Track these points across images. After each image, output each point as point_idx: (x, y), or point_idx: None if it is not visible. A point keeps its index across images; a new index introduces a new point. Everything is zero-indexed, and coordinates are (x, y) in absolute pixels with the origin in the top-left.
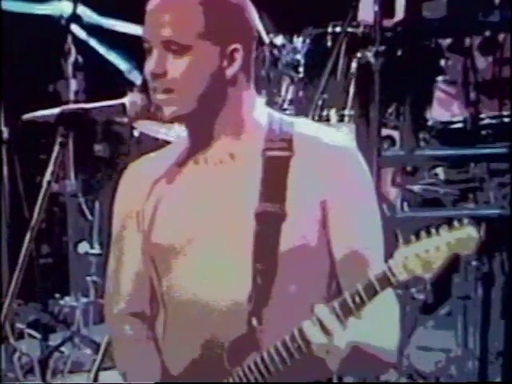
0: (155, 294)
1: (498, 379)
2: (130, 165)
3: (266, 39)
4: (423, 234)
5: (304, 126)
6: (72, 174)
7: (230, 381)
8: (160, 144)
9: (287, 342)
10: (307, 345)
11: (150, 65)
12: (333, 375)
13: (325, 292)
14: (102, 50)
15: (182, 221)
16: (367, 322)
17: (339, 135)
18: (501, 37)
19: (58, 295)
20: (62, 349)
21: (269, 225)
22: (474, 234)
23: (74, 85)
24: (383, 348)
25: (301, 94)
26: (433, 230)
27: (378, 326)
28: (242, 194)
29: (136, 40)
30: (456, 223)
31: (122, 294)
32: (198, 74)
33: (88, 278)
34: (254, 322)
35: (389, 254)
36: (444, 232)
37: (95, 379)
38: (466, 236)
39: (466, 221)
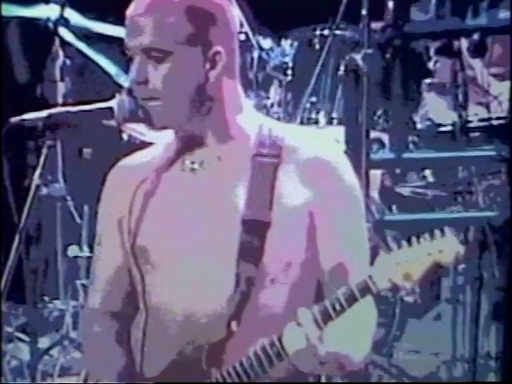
0: (134, 295)
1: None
2: (115, 165)
3: (254, 42)
4: (404, 243)
5: (294, 133)
6: (61, 177)
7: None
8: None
9: (266, 347)
10: (285, 351)
11: (132, 73)
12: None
13: (308, 300)
14: (89, 53)
15: (167, 225)
16: (342, 330)
17: (327, 145)
18: (489, 39)
19: (47, 298)
20: (52, 352)
21: (254, 231)
22: (456, 244)
23: (61, 88)
24: (351, 358)
25: (289, 96)
26: (414, 239)
27: (352, 334)
28: (228, 199)
29: (124, 43)
30: (437, 233)
31: (98, 292)
32: (180, 79)
33: (77, 282)
34: (234, 325)
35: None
36: (425, 242)
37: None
38: (447, 246)
39: (447, 231)
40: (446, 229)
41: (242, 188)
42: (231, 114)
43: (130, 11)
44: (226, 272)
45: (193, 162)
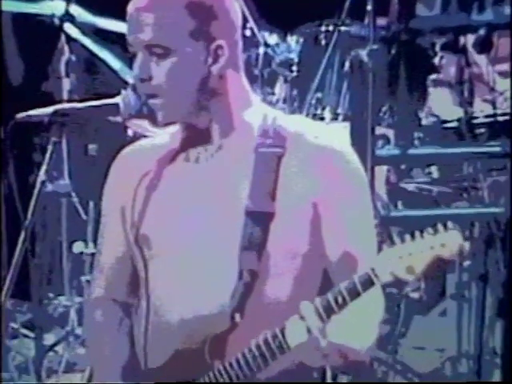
0: (137, 285)
1: (493, 379)
2: (119, 155)
3: (260, 38)
4: (407, 236)
5: (299, 124)
6: (66, 174)
7: (211, 375)
8: None
9: (269, 339)
10: (288, 344)
11: (135, 70)
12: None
13: (312, 292)
14: (95, 49)
15: (170, 215)
16: (348, 318)
17: (333, 136)
18: (495, 35)
19: (52, 295)
20: (57, 348)
21: (258, 222)
22: (458, 238)
23: (67, 84)
24: (355, 349)
25: (295, 92)
26: (417, 233)
27: (357, 323)
28: (232, 190)
29: (126, 39)
30: (440, 227)
31: (101, 280)
32: (183, 74)
33: (82, 278)
34: (237, 317)
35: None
36: (428, 236)
37: (89, 379)
38: (450, 240)
39: (450, 225)
40: (449, 223)
41: (245, 179)
42: (237, 107)
43: (130, 7)
44: (229, 263)
45: (197, 153)
